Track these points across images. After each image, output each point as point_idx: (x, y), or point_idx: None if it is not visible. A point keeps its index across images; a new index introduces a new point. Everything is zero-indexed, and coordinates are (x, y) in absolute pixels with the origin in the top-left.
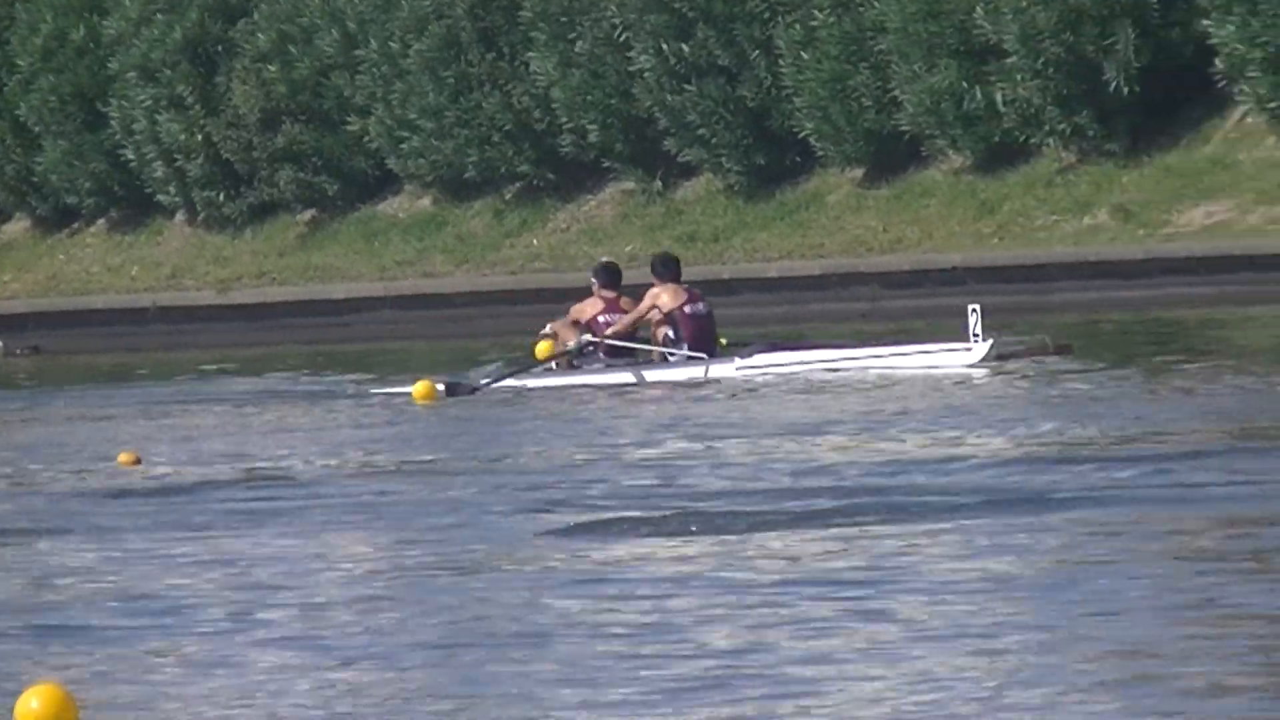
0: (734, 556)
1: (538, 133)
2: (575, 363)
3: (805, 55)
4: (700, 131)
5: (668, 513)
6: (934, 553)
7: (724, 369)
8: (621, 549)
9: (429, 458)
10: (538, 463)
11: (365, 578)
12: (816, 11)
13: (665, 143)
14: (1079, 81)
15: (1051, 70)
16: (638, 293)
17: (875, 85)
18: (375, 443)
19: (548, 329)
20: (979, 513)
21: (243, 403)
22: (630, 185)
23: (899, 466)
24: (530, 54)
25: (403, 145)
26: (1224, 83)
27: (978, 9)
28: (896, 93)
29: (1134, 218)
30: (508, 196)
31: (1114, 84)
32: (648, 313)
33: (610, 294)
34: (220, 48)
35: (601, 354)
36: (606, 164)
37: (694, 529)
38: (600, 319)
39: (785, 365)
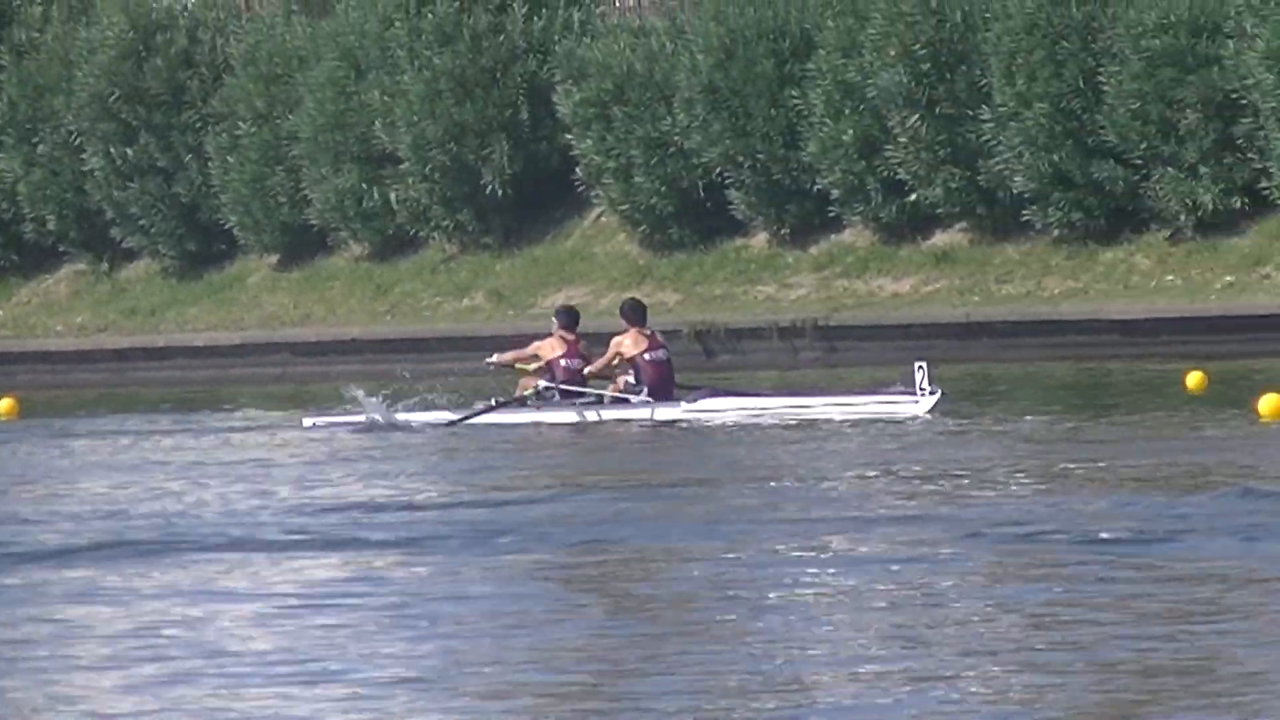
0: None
1: (5, 220)
2: (532, 403)
3: (230, 159)
4: (141, 222)
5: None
6: None
7: (670, 411)
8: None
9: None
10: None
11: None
12: (240, 123)
13: (112, 231)
14: (461, 184)
15: (438, 175)
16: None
17: (290, 185)
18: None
19: (495, 359)
20: None
21: None
22: (82, 266)
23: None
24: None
25: None
26: (583, 188)
27: (376, 122)
28: (307, 191)
29: (506, 300)
30: None
31: (490, 187)
32: (613, 358)
33: (570, 336)
34: None
35: (557, 395)
36: (62, 248)
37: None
38: (562, 362)
39: (731, 410)
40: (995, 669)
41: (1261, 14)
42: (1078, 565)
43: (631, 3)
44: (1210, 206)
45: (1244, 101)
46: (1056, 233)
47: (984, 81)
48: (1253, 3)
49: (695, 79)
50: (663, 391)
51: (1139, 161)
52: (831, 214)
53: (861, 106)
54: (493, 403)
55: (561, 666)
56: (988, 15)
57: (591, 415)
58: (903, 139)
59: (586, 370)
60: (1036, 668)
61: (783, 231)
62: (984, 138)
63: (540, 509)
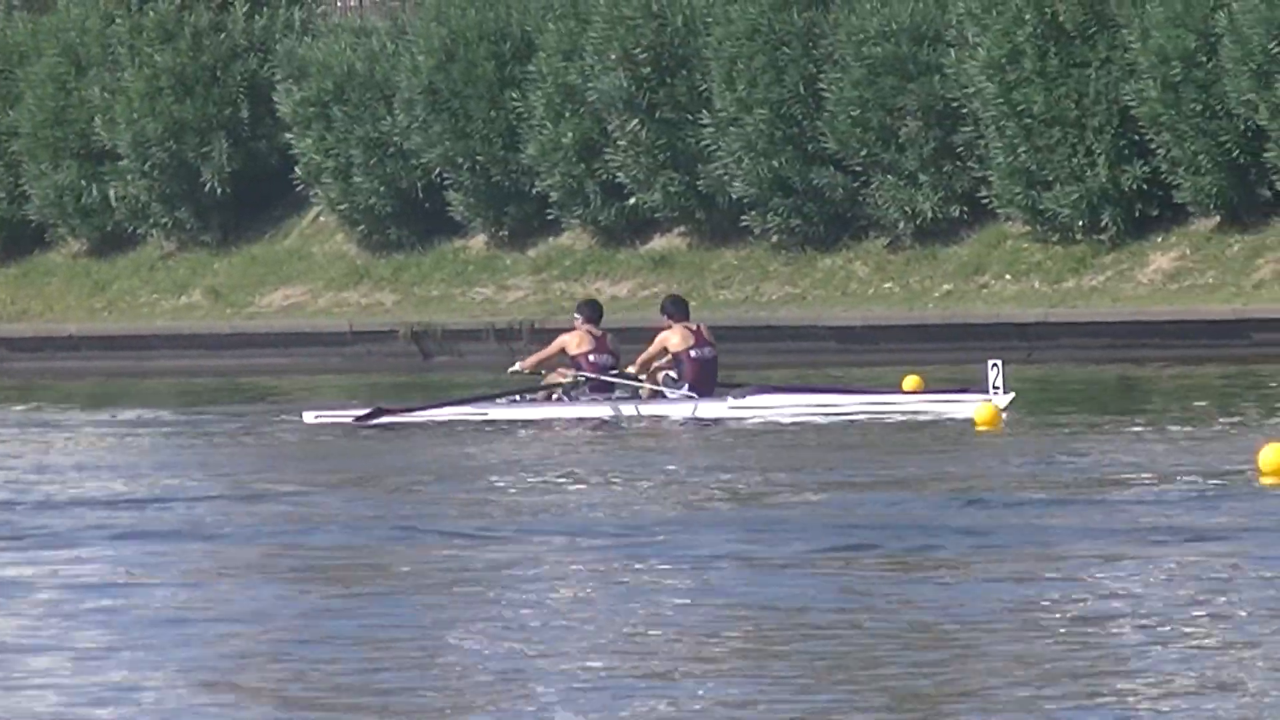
0: None
1: None
2: (568, 396)
3: None
4: None
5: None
6: None
7: (715, 408)
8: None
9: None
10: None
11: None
12: None
13: None
14: (181, 182)
15: (157, 172)
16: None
17: (9, 180)
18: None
19: (519, 366)
20: None
21: None
22: None
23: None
24: None
25: None
26: (301, 187)
27: (97, 118)
28: (26, 187)
29: (224, 298)
30: None
31: (209, 185)
32: (658, 353)
33: (597, 331)
34: None
35: (587, 390)
36: None
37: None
38: (590, 357)
39: (779, 407)
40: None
41: (983, 23)
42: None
43: (353, 2)
44: (929, 214)
45: (964, 110)
46: (775, 239)
47: (704, 86)
48: (974, 11)
49: (416, 80)
50: (704, 389)
51: (859, 168)
52: (550, 216)
53: (582, 109)
54: (516, 397)
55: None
56: (709, 20)
57: (628, 410)
58: (622, 143)
59: (630, 368)
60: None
61: (501, 233)
62: (704, 143)
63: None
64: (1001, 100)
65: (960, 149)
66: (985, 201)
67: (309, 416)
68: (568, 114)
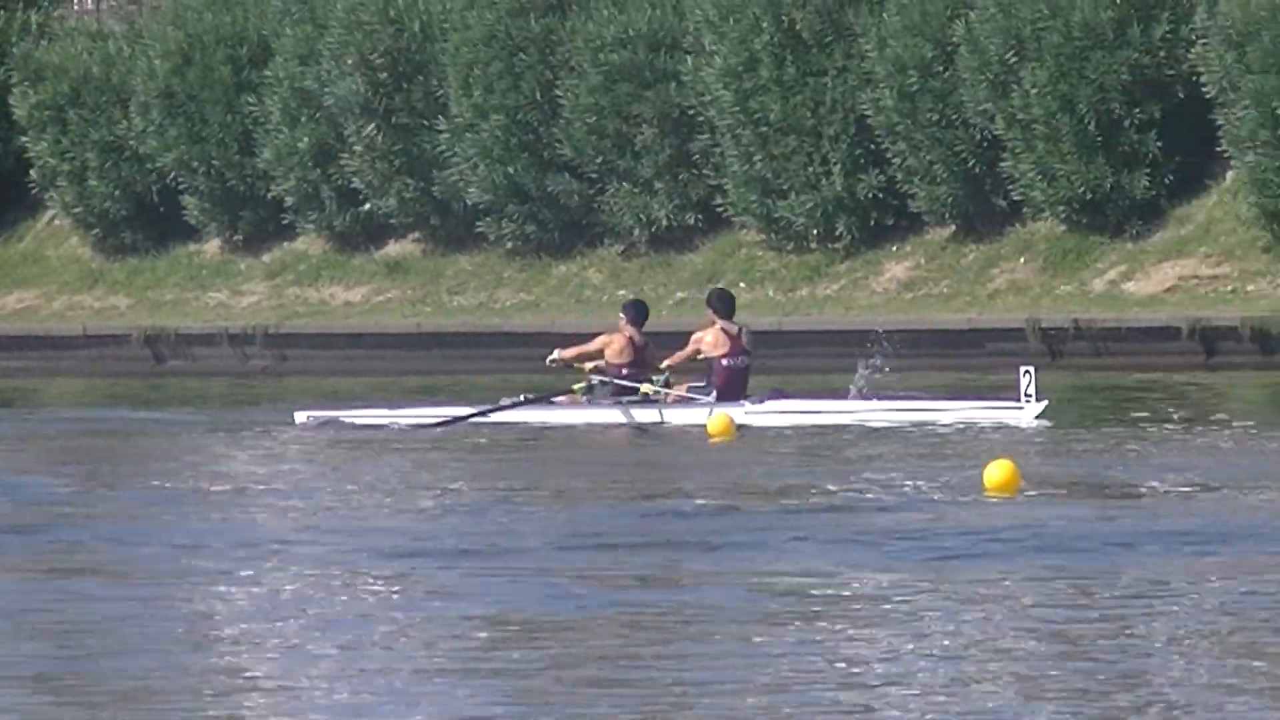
0: None
1: None
2: (586, 398)
3: None
4: None
5: None
6: None
7: (731, 412)
8: None
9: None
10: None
11: None
12: None
13: None
14: None
15: None
16: None
17: None
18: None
19: (556, 355)
20: None
21: None
22: None
23: None
24: None
25: None
26: (37, 190)
27: None
28: None
29: None
30: None
31: None
32: (692, 355)
33: (639, 339)
34: None
35: (610, 392)
36: None
37: None
38: (624, 372)
39: (795, 413)
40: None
41: (720, 30)
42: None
43: (90, 6)
44: (664, 222)
45: (700, 118)
46: (510, 245)
47: (441, 92)
48: (711, 19)
49: (152, 83)
50: (731, 397)
51: (594, 175)
52: (285, 221)
53: (318, 114)
54: (521, 398)
55: None
56: (446, 26)
57: (648, 416)
58: (358, 148)
59: (664, 362)
60: None
61: (236, 238)
62: (440, 148)
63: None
64: (738, 108)
65: (696, 156)
66: (720, 209)
67: (300, 417)
68: (304, 119)
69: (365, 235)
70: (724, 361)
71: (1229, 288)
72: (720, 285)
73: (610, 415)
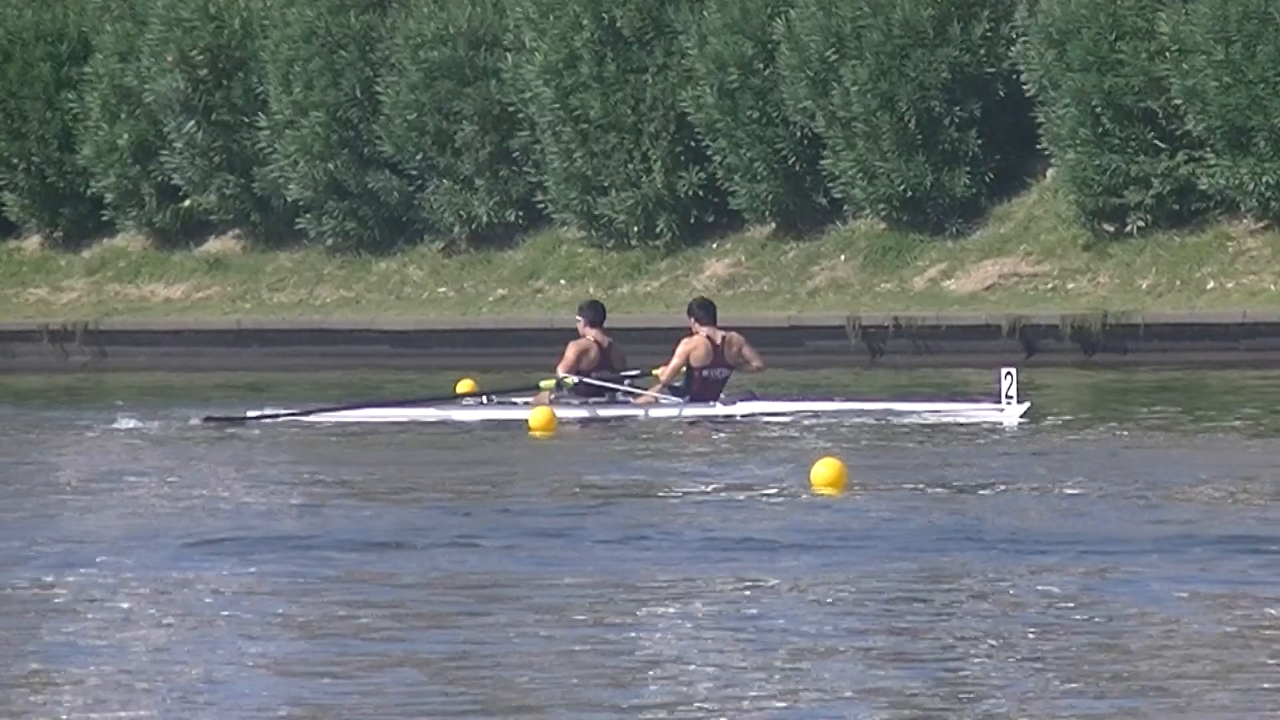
0: None
1: None
2: (553, 399)
3: None
4: None
5: None
6: None
7: (701, 411)
8: None
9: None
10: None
11: None
12: None
13: None
14: None
15: None
16: None
17: None
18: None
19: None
20: None
21: None
22: None
23: None
24: None
25: None
26: None
27: None
28: None
29: None
30: None
31: None
32: (681, 367)
33: (604, 339)
34: None
35: (576, 393)
36: None
37: None
38: (592, 374)
39: (766, 415)
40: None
41: (540, 28)
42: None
43: None
44: (485, 219)
45: (521, 115)
46: (330, 241)
47: (261, 89)
48: (531, 16)
49: None
50: (704, 400)
51: (415, 172)
52: (105, 218)
53: (138, 111)
54: (484, 399)
55: None
56: (266, 23)
57: (606, 412)
58: (179, 144)
59: (664, 376)
60: None
61: (56, 234)
62: (260, 145)
63: None
64: (558, 105)
65: (516, 154)
66: (541, 206)
67: (251, 412)
68: (124, 115)
69: (185, 232)
70: (703, 372)
71: (1049, 286)
72: (705, 298)
73: (578, 413)
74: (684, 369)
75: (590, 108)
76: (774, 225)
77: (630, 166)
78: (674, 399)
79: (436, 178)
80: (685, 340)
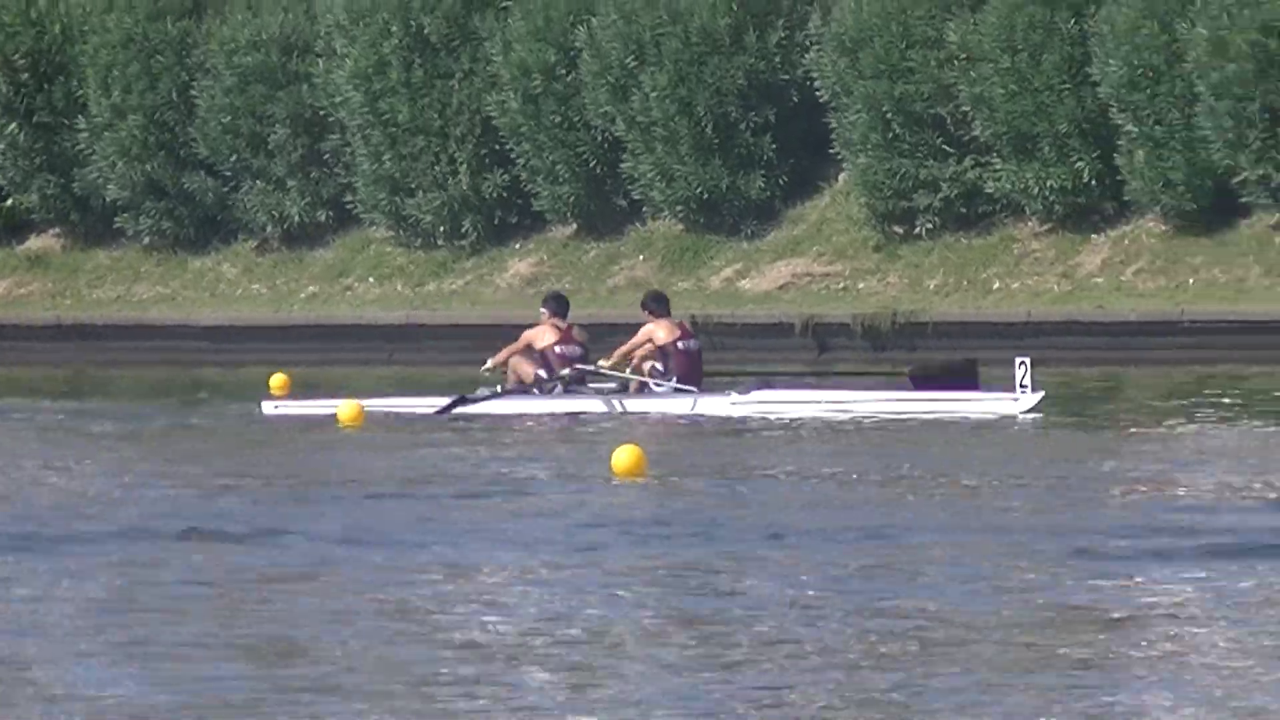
0: None
1: None
2: (539, 390)
3: None
4: None
5: None
6: None
7: (717, 404)
8: None
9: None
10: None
11: None
12: None
13: None
14: None
15: None
16: None
17: None
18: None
19: (490, 364)
20: None
21: None
22: None
23: None
24: None
25: None
26: None
27: None
28: None
29: None
30: None
31: None
32: (643, 345)
33: (562, 323)
34: None
35: (559, 386)
36: None
37: None
38: (557, 349)
39: (783, 403)
40: None
41: (351, 34)
42: None
43: None
44: (296, 218)
45: (332, 118)
46: (148, 240)
47: (81, 92)
48: (342, 23)
49: None
50: (691, 381)
51: (229, 173)
52: None
53: None
54: (498, 389)
55: None
56: (86, 28)
57: (615, 404)
58: (1, 146)
59: (603, 362)
60: None
61: None
62: (79, 147)
63: None
64: (367, 109)
65: (327, 156)
66: (351, 207)
67: (268, 407)
68: None
69: (6, 230)
70: (679, 345)
71: (840, 285)
72: (658, 290)
73: (567, 406)
74: (654, 349)
75: (398, 112)
76: (575, 226)
77: (437, 169)
78: (663, 382)
79: (250, 179)
80: (647, 326)
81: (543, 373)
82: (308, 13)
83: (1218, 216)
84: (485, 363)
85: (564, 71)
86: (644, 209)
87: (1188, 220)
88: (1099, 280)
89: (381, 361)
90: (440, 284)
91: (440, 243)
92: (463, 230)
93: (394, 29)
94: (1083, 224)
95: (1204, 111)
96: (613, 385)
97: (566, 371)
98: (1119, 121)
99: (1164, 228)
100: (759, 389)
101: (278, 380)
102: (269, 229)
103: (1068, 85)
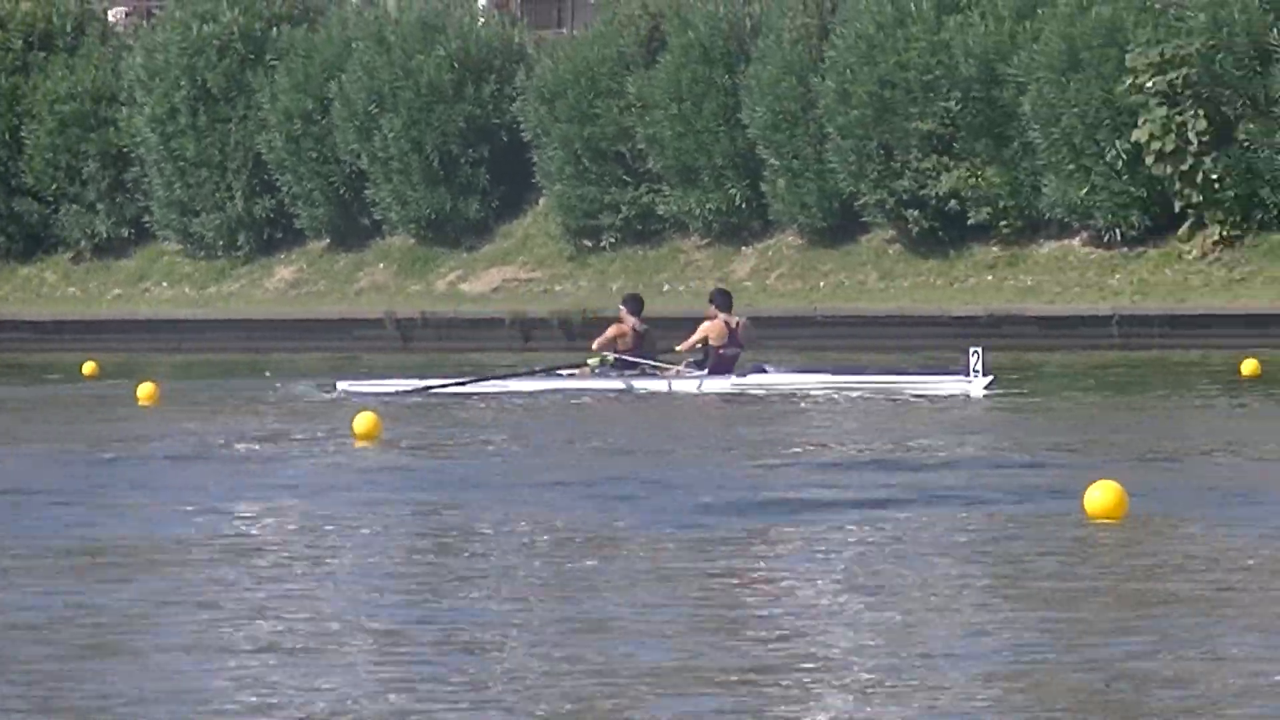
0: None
1: None
2: (595, 373)
3: None
4: None
5: None
6: None
7: (719, 384)
8: None
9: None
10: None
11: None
12: None
13: None
14: None
15: None
16: None
17: None
18: None
19: (596, 345)
20: None
21: None
22: None
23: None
24: None
25: None
26: None
27: None
28: None
29: None
30: None
31: None
32: (700, 340)
33: (641, 326)
34: None
35: (615, 369)
36: None
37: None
38: (629, 352)
39: (782, 385)
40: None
41: (149, 87)
42: None
43: None
44: (105, 234)
45: (134, 154)
46: None
47: None
48: (141, 78)
49: None
50: (719, 374)
51: (51, 198)
52: None
53: None
54: (536, 369)
55: None
56: None
57: (641, 385)
58: None
59: (681, 347)
60: None
61: None
62: None
63: None
64: (162, 147)
65: (130, 184)
66: (148, 225)
67: (342, 385)
68: None
69: None
70: (720, 351)
71: (541, 288)
72: (724, 288)
73: (615, 385)
74: (701, 346)
75: (187, 149)
76: (328, 240)
77: (218, 194)
78: (696, 372)
79: (67, 202)
80: (706, 323)
81: (611, 354)
82: (114, 70)
83: (843, 232)
84: (594, 344)
85: (320, 116)
86: (384, 226)
87: (819, 235)
88: (748, 284)
89: (174, 350)
90: (220, 287)
91: (220, 254)
92: (238, 244)
93: (183, 83)
94: (735, 239)
95: (833, 148)
96: (645, 370)
97: (609, 357)
98: (764, 156)
99: (800, 241)
100: (754, 372)
101: (89, 367)
102: (82, 243)
103: (723, 127)
